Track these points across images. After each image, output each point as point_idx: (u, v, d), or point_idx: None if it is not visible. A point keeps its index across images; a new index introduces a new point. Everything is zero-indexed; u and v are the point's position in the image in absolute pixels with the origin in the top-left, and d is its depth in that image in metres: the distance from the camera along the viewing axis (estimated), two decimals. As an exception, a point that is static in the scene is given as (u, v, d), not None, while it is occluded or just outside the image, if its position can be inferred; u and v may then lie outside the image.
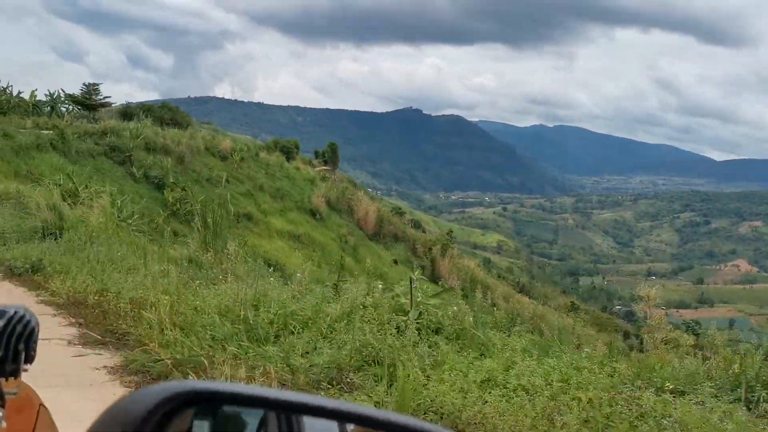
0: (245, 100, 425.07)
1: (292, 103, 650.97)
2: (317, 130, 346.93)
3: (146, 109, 26.02)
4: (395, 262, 18.93)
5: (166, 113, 23.68)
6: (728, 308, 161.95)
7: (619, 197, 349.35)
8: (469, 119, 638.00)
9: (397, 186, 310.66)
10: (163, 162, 15.23)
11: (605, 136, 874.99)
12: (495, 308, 9.83)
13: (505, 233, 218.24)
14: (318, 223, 18.81)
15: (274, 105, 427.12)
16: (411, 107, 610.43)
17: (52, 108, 26.34)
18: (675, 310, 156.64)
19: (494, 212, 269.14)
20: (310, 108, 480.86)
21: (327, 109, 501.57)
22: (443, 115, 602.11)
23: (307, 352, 5.39)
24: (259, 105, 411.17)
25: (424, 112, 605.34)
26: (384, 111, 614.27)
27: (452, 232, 24.28)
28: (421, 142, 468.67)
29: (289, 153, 21.51)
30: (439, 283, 20.03)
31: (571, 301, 57.11)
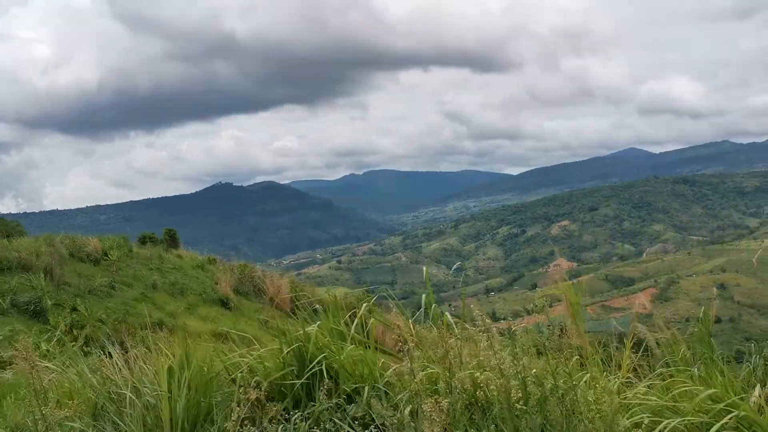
0: (36, 211, 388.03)
1: (91, 203, 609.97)
2: (126, 225, 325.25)
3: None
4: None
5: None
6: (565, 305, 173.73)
7: (441, 226, 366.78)
8: (281, 183, 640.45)
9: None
10: (31, 281, 10.94)
11: (413, 173, 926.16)
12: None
13: (346, 285, 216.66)
14: (234, 314, 15.26)
15: (69, 209, 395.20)
16: (221, 182, 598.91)
17: None
18: (521, 318, 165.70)
19: (329, 267, 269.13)
20: (113, 204, 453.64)
21: (131, 201, 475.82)
22: (255, 184, 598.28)
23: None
24: (53, 212, 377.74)
25: (234, 184, 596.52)
26: (193, 191, 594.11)
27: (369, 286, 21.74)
28: (240, 214, 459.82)
29: (173, 238, 17.68)
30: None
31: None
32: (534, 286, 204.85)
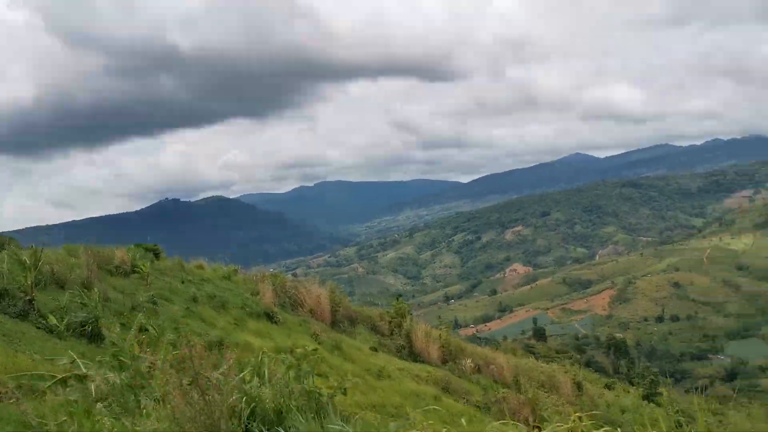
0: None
1: (30, 225, 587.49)
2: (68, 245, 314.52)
3: None
4: (374, 349, 14.69)
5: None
6: (526, 309, 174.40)
7: (396, 235, 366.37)
8: (230, 197, 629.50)
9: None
10: (81, 297, 8.87)
11: (364, 183, 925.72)
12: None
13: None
14: (281, 328, 13.48)
15: (7, 231, 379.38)
16: (167, 198, 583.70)
17: None
18: (484, 325, 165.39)
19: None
20: (54, 225, 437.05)
21: (73, 221, 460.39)
22: (203, 199, 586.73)
23: None
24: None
25: (182, 200, 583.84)
26: (138, 208, 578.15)
27: (401, 296, 20.22)
28: (187, 230, 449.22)
29: (157, 254, 15.58)
30: (447, 366, 16.09)
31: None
32: (494, 292, 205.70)
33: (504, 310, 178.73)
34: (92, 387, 5.29)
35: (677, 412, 5.27)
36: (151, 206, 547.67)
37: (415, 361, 15.19)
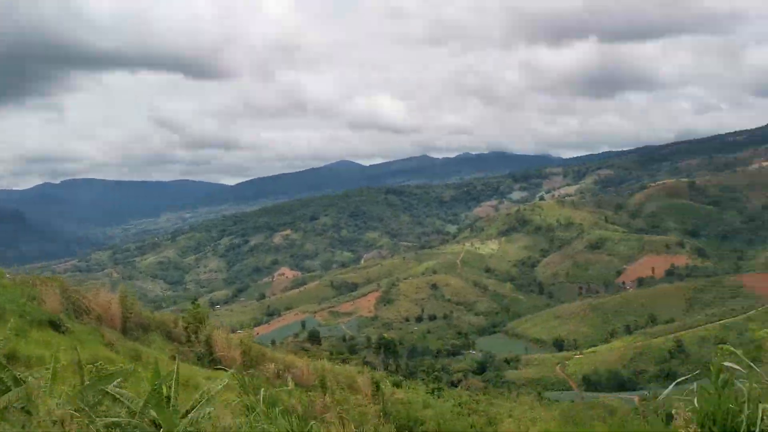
0: None
1: None
2: None
3: None
4: (173, 358, 11.76)
5: None
6: (295, 312, 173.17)
7: (156, 239, 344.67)
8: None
9: None
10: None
11: (120, 182, 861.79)
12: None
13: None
14: (70, 339, 9.58)
15: None
16: None
17: None
18: (252, 329, 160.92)
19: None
20: None
21: None
22: None
23: None
24: None
25: None
26: None
27: (197, 300, 16.36)
28: None
29: None
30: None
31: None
32: (262, 296, 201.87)
33: (272, 314, 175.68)
34: None
35: (459, 404, 6.23)
36: None
37: (217, 368, 13.69)
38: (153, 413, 4.46)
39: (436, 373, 28.97)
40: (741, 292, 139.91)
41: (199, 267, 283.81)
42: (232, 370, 6.38)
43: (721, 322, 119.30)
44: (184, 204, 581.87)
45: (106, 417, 4.45)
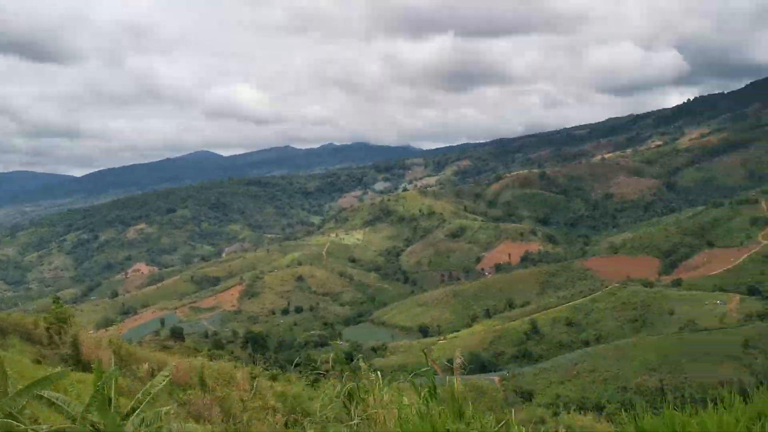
0: None
1: None
2: None
3: None
4: (37, 362, 11.66)
5: None
6: (153, 310, 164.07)
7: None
8: None
9: None
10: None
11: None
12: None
13: None
14: None
15: None
16: None
17: None
18: (105, 330, 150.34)
19: None
20: None
21: None
22: None
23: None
24: None
25: None
26: None
27: (59, 298, 13.73)
28: None
29: None
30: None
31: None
32: (115, 294, 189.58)
33: (127, 312, 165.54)
34: None
35: (338, 395, 5.51)
36: None
37: (86, 370, 12.86)
38: (93, 417, 4.30)
39: (313, 364, 26.94)
40: (587, 275, 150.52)
41: (42, 265, 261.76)
42: (113, 370, 5.62)
43: (570, 303, 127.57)
44: (25, 197, 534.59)
45: (42, 424, 4.20)
